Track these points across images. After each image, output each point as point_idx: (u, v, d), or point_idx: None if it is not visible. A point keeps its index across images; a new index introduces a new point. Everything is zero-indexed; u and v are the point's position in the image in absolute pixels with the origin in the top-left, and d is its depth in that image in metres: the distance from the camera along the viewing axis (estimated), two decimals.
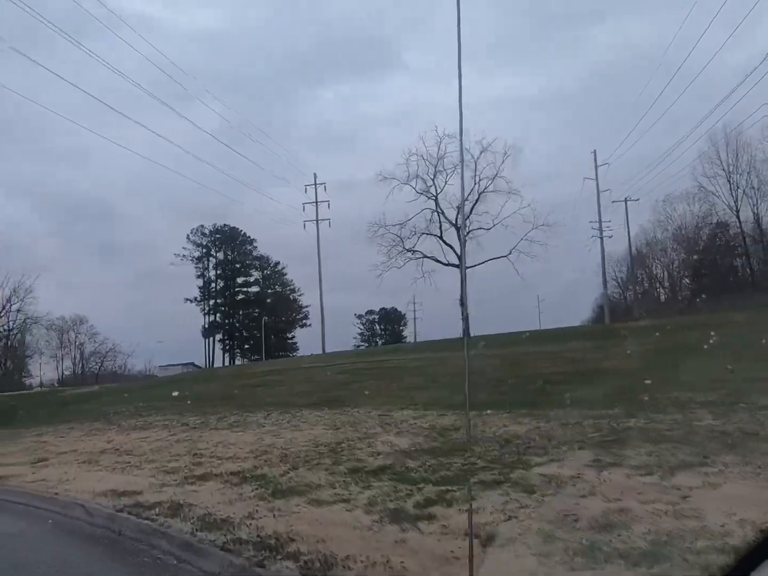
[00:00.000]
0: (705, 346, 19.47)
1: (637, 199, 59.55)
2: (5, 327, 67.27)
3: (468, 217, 47.40)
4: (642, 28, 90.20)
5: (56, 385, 59.96)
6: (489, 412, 13.18)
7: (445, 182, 47.03)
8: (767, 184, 52.93)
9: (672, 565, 4.49)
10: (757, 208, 54.45)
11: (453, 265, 48.11)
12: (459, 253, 47.58)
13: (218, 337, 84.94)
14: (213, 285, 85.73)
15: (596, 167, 54.65)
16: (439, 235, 47.70)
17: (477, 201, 47.31)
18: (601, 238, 55.71)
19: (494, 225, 46.33)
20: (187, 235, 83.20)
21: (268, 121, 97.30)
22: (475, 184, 46.49)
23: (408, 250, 47.58)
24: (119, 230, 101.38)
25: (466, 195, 46.63)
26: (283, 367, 37.50)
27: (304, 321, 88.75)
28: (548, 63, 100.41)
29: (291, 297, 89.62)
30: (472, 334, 45.72)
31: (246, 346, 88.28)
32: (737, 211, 55.42)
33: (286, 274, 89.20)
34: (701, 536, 4.96)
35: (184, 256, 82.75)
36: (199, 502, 7.97)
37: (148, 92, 73.89)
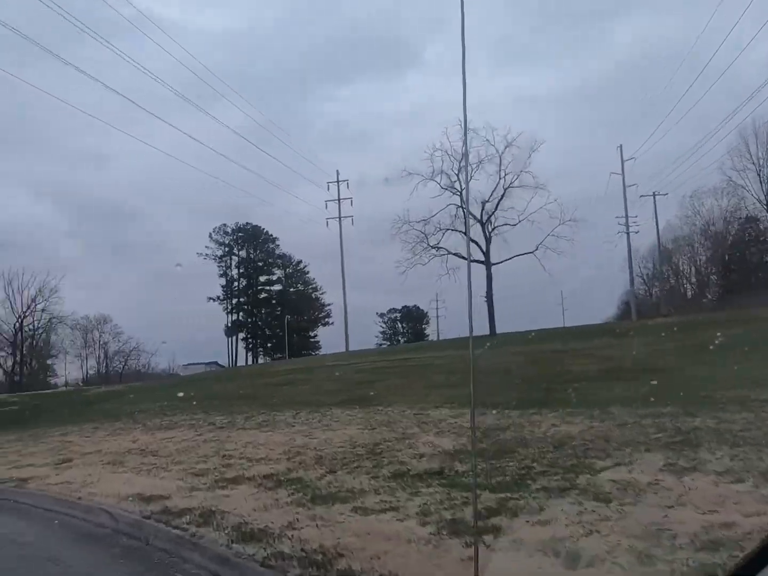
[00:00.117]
0: (739, 343, 18.59)
1: (666, 194, 58.26)
2: (31, 326, 67.75)
3: (493, 213, 46.61)
4: (665, 23, 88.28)
5: (81, 384, 60.13)
6: (533, 411, 12.40)
7: (470, 177, 46.00)
8: None
9: None
10: None
11: (478, 261, 47.08)
12: (484, 249, 46.85)
13: (241, 335, 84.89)
14: (236, 284, 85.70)
15: (622, 162, 53.36)
16: (464, 231, 46.68)
17: (502, 196, 46.30)
18: (628, 234, 54.44)
19: (520, 221, 45.20)
20: (210, 234, 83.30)
21: (286, 120, 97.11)
22: (500, 179, 45.59)
23: (432, 247, 46.60)
24: (142, 230, 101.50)
25: (491, 191, 46.03)
26: (307, 366, 37.02)
27: (326, 319, 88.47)
28: (570, 59, 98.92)
29: (313, 295, 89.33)
30: (497, 332, 45.07)
31: (268, 345, 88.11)
32: None
33: (308, 273, 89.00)
34: None
35: (206, 255, 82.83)
36: (231, 508, 7.33)
37: (176, 92, 73.55)
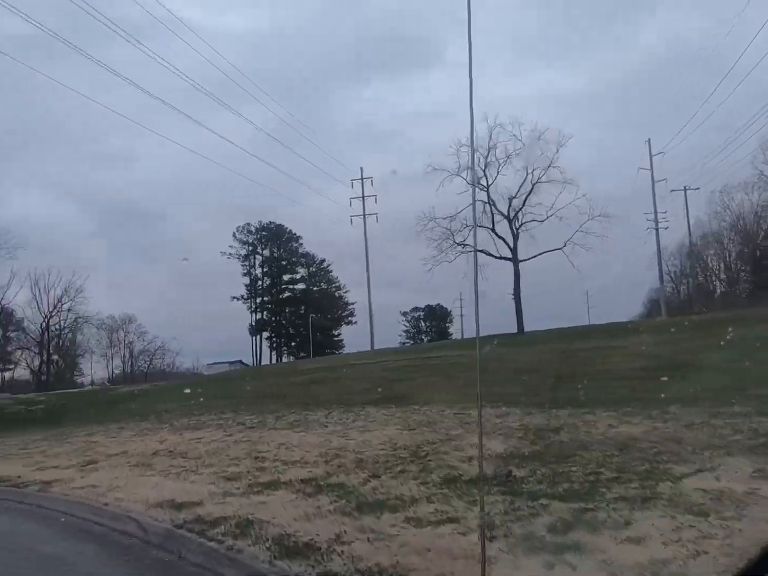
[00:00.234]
0: None
1: (698, 188, 56.75)
2: (57, 326, 68.15)
3: (521, 209, 45.58)
4: (692, 17, 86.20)
5: (107, 383, 60.27)
6: (583, 410, 11.60)
7: (498, 172, 45.13)
8: None
9: None
10: None
11: (505, 258, 46.11)
12: (512, 246, 45.87)
13: (265, 335, 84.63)
14: (259, 283, 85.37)
15: (651, 156, 51.86)
16: (491, 227, 45.75)
17: (530, 192, 45.24)
18: (657, 230, 52.99)
19: (548, 217, 44.11)
20: (234, 233, 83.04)
21: (308, 119, 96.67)
22: (527, 174, 44.53)
23: (458, 244, 45.67)
24: (166, 230, 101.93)
25: (518, 187, 45.01)
26: (332, 364, 36.43)
27: (349, 318, 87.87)
28: (596, 56, 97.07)
29: (336, 294, 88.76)
30: (525, 330, 44.08)
31: (292, 344, 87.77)
32: None
33: (331, 272, 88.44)
34: None
35: (230, 254, 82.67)
36: (270, 517, 6.67)
37: (208, 93, 73.47)
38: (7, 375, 67.29)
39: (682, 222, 56.76)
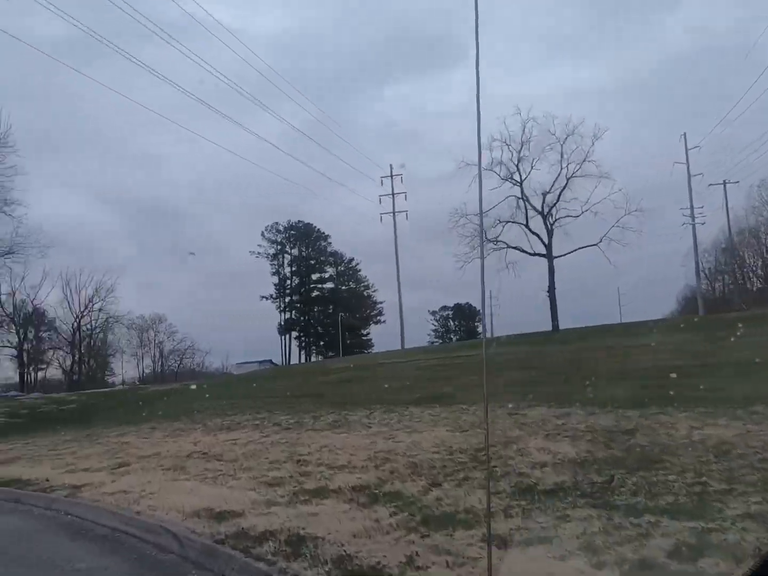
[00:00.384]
0: None
1: (737, 181, 54.66)
2: (88, 326, 68.47)
3: (555, 204, 44.30)
4: (726, 11, 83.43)
5: (137, 383, 60.31)
6: (654, 410, 10.56)
7: (532, 167, 43.94)
8: None
9: None
10: None
11: (539, 254, 44.87)
12: (546, 242, 44.62)
13: (294, 334, 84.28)
14: (288, 282, 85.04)
15: (686, 150, 50.04)
16: (524, 223, 44.54)
17: (565, 187, 43.93)
18: (693, 225, 51.11)
19: (583, 212, 42.75)
20: (262, 232, 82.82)
21: (335, 119, 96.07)
22: (561, 168, 43.24)
23: (491, 241, 44.48)
24: (196, 230, 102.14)
25: (552, 182, 43.71)
26: (364, 363, 35.65)
27: (378, 318, 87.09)
28: (627, 50, 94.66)
29: (365, 293, 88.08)
30: (560, 327, 42.79)
31: (321, 343, 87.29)
32: None
33: (359, 271, 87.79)
34: None
35: (259, 253, 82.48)
36: (324, 532, 5.82)
37: (247, 93, 73.28)
38: (40, 375, 67.85)
39: (716, 217, 54.72)
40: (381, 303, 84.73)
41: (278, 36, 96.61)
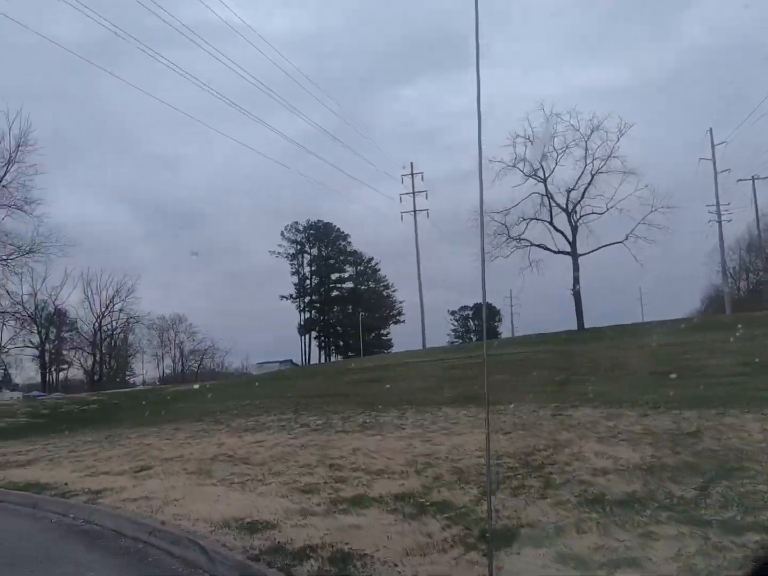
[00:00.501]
0: None
1: (767, 177, 53.04)
2: (109, 326, 68.61)
3: (579, 201, 43.38)
4: (736, 7, 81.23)
5: (158, 383, 60.23)
6: (714, 411, 9.77)
7: (556, 163, 43.07)
8: None
9: None
10: None
11: (564, 252, 43.93)
12: (571, 240, 43.69)
13: (314, 334, 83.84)
14: (308, 282, 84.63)
15: (713, 146, 48.37)
16: (549, 220, 43.64)
17: (590, 183, 42.97)
18: (719, 222, 49.49)
19: (608, 209, 41.77)
20: (282, 232, 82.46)
21: (354, 118, 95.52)
22: (586, 164, 42.32)
23: (514, 238, 43.63)
24: (215, 230, 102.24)
25: (576, 178, 42.77)
26: (386, 363, 35.01)
27: (398, 317, 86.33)
28: (650, 48, 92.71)
29: (384, 293, 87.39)
30: (586, 326, 41.77)
31: (341, 343, 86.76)
32: None
33: (379, 270, 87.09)
34: None
35: (278, 253, 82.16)
36: (371, 549, 5.16)
37: (273, 93, 73.00)
38: (61, 375, 68.16)
39: (743, 214, 53.14)
40: (401, 303, 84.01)
41: (291, 35, 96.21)
